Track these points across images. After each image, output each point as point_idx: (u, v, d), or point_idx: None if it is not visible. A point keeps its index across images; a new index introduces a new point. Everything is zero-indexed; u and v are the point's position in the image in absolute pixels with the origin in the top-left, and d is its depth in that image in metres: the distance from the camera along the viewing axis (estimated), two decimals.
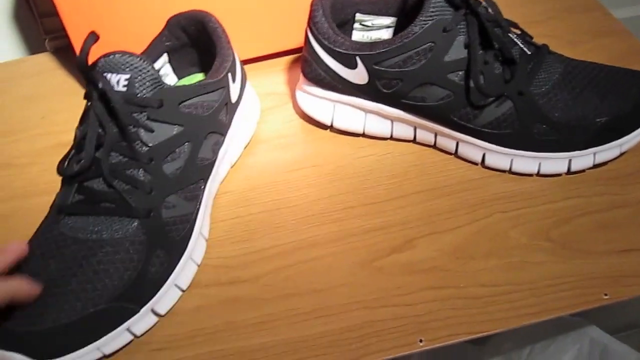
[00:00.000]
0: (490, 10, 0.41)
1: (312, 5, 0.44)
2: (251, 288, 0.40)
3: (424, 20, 0.40)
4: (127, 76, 0.36)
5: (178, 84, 0.48)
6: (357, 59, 0.42)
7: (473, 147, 0.44)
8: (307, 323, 0.37)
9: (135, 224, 0.36)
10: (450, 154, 0.47)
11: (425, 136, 0.47)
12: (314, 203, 0.45)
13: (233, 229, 0.44)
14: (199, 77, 0.50)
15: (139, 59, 0.36)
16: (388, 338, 0.36)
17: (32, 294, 0.33)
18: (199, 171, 0.40)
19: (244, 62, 0.48)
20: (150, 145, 0.37)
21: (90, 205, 0.36)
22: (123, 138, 0.36)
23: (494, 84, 0.41)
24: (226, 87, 0.43)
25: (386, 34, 0.48)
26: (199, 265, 0.41)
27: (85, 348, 0.34)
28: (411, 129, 0.47)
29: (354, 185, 0.46)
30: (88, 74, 0.36)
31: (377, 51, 0.41)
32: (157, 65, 0.45)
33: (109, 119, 0.36)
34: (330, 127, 0.49)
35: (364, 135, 0.49)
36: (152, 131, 0.37)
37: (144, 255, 0.36)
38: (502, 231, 0.42)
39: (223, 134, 0.44)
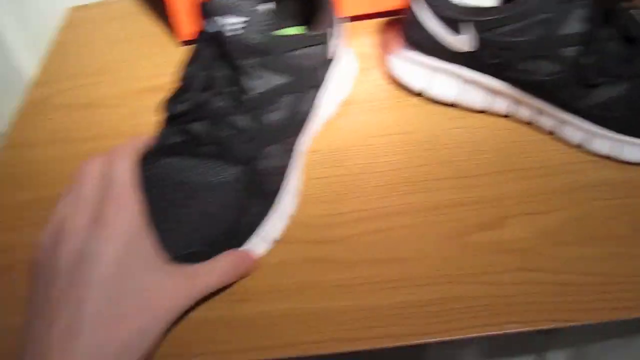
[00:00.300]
0: None
1: None
2: (336, 249, 0.39)
3: None
4: (244, 19, 0.35)
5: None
6: (464, 24, 0.40)
7: (577, 129, 0.42)
8: (391, 291, 0.36)
9: (235, 170, 0.36)
10: (549, 133, 0.45)
11: (524, 112, 0.44)
12: (402, 171, 0.44)
13: (319, 189, 0.43)
14: (294, 30, 0.48)
15: (255, 2, 0.35)
16: (474, 315, 0.35)
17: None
18: (298, 125, 0.39)
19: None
20: (255, 92, 0.36)
21: (191, 148, 0.36)
22: (231, 83, 0.36)
23: (612, 63, 0.38)
24: (326, 43, 0.42)
25: (489, 1, 0.46)
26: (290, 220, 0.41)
27: None
28: (510, 104, 0.44)
29: (444, 157, 0.44)
30: (204, 14, 0.35)
31: (488, 18, 0.39)
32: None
33: (219, 62, 0.35)
34: (422, 94, 0.48)
35: (456, 105, 0.47)
36: (259, 78, 0.36)
37: (240, 203, 0.36)
38: (602, 220, 0.39)
39: (320, 89, 0.42)
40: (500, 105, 0.45)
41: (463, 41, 0.41)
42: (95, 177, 0.33)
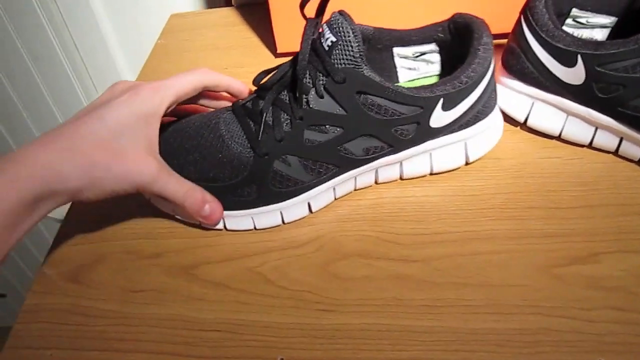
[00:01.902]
0: None
1: None
2: (421, 269, 0.39)
3: None
4: (334, 40, 0.37)
5: (422, 77, 0.47)
6: (579, 57, 0.40)
7: None
8: (478, 316, 0.36)
9: (251, 153, 0.40)
10: None
11: (630, 150, 0.43)
12: (492, 196, 0.43)
13: (405, 207, 0.43)
14: (428, 80, 0.47)
15: (351, 30, 0.37)
16: (564, 350, 0.34)
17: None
18: (337, 157, 0.40)
19: None
20: (310, 107, 0.39)
21: (240, 115, 0.41)
22: (296, 85, 0.38)
23: None
24: (426, 110, 0.39)
25: (599, 35, 0.45)
26: (283, 223, 0.43)
27: None
28: (616, 140, 0.43)
29: (536, 186, 0.44)
30: (304, 16, 0.38)
31: (605, 52, 0.38)
32: (423, 48, 0.45)
33: (304, 62, 0.37)
34: (523, 124, 0.47)
35: (559, 138, 0.46)
36: (321, 97, 0.38)
37: (240, 180, 0.41)
38: None
39: (392, 146, 0.41)
40: (606, 140, 0.44)
41: (575, 74, 0.41)
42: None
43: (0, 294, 1.53)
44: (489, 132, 0.44)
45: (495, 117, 0.44)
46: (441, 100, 0.39)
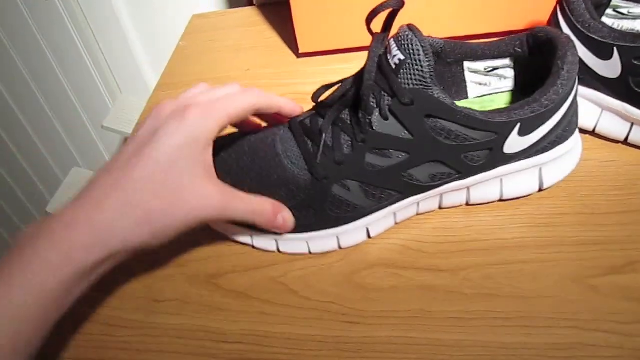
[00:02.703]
0: None
1: None
2: (449, 279, 0.38)
3: None
4: (402, 58, 0.34)
5: (493, 93, 0.44)
6: (615, 49, 0.38)
7: None
8: (508, 329, 0.35)
9: (308, 175, 0.38)
10: None
11: None
12: (522, 202, 0.42)
13: (435, 216, 0.42)
14: (502, 99, 0.44)
15: (422, 47, 0.34)
16: None
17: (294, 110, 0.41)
18: (400, 183, 0.38)
19: (455, 38, 0.44)
20: (373, 129, 0.36)
21: (298, 134, 0.39)
22: (359, 105, 0.36)
23: None
24: (500, 136, 0.36)
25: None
26: (340, 248, 0.41)
27: None
28: None
29: (570, 190, 0.42)
30: (371, 31, 0.35)
31: None
32: (496, 63, 0.42)
33: (370, 82, 0.35)
34: None
35: (593, 132, 0.44)
36: (385, 119, 0.35)
37: (297, 203, 0.38)
38: None
39: (460, 172, 0.38)
40: None
41: (610, 67, 0.39)
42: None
43: None
44: (567, 156, 0.40)
45: (575, 141, 0.40)
46: (518, 126, 0.36)
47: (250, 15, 0.68)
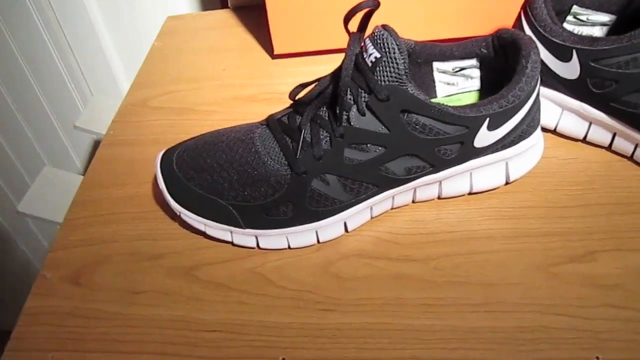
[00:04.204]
0: None
1: None
2: (421, 269, 0.40)
3: None
4: (377, 55, 0.36)
5: (460, 92, 0.46)
6: (574, 52, 0.40)
7: None
8: (476, 315, 0.37)
9: (288, 170, 0.39)
10: None
11: (623, 145, 0.44)
12: (489, 196, 0.44)
13: (406, 208, 0.44)
14: (469, 97, 0.46)
15: (397, 46, 0.35)
16: (562, 348, 0.35)
17: None
18: (377, 177, 0.39)
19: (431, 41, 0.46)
20: (351, 124, 0.37)
21: (276, 131, 0.40)
22: (336, 102, 0.37)
23: None
24: (471, 130, 0.38)
25: (599, 32, 0.46)
26: (318, 242, 0.42)
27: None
28: (609, 136, 0.44)
29: (533, 185, 0.44)
30: (348, 30, 0.36)
31: (599, 47, 0.39)
32: (463, 64, 0.44)
33: (347, 79, 0.36)
34: None
35: (554, 131, 0.47)
36: (362, 115, 0.37)
37: (277, 198, 0.39)
38: None
39: (433, 166, 0.40)
40: (600, 135, 0.45)
41: (570, 68, 0.42)
42: None
43: None
44: (531, 151, 0.43)
45: (538, 137, 0.43)
46: (487, 120, 0.38)
47: (225, 17, 0.69)
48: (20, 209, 0.62)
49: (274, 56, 0.61)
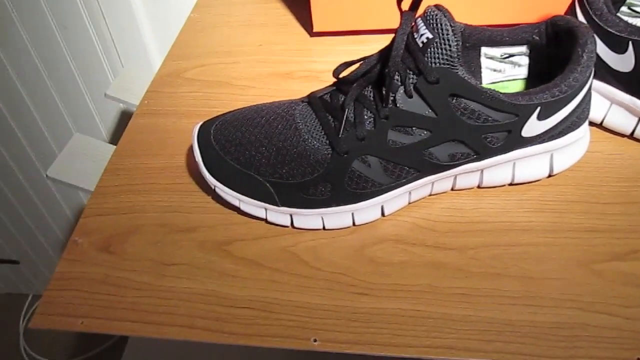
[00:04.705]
0: None
1: None
2: (457, 257, 0.39)
3: None
4: (430, 36, 0.35)
5: (506, 80, 0.44)
6: (630, 43, 0.39)
7: None
8: (514, 308, 0.36)
9: (329, 149, 0.38)
10: None
11: None
12: (530, 188, 0.43)
13: (446, 196, 0.43)
14: (516, 85, 0.45)
15: (451, 27, 0.34)
16: (602, 347, 0.34)
17: None
18: (420, 161, 0.38)
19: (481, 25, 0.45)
20: (397, 106, 0.36)
21: (318, 109, 0.39)
22: (383, 82, 0.36)
23: None
24: (521, 118, 0.37)
25: None
26: (354, 225, 0.41)
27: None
28: None
29: (576, 180, 0.43)
30: (400, 9, 0.35)
31: None
32: (513, 50, 0.42)
33: (397, 59, 0.35)
34: None
35: (600, 125, 0.45)
36: (409, 97, 0.36)
37: (315, 177, 0.39)
38: None
39: (479, 153, 0.39)
40: None
41: (624, 61, 0.40)
42: None
43: (12, 260, 1.55)
44: (577, 144, 0.42)
45: (585, 130, 0.41)
46: (538, 109, 0.37)
47: None
48: (49, 174, 0.62)
49: (312, 34, 0.60)
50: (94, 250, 0.42)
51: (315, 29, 0.58)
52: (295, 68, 0.56)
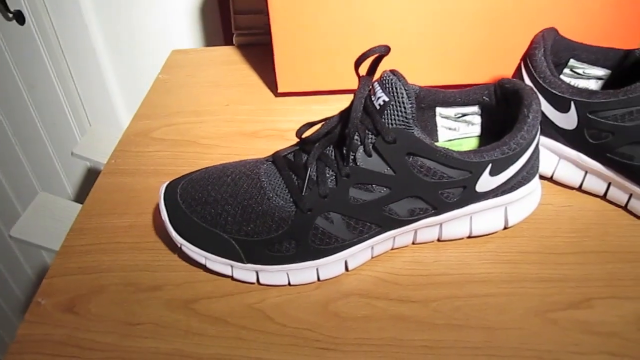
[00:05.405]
0: None
1: (532, 42, 0.44)
2: (420, 310, 0.40)
3: None
4: (386, 99, 0.37)
5: (461, 137, 0.47)
6: (572, 103, 0.42)
7: None
8: (476, 357, 0.37)
9: (293, 207, 0.39)
10: None
11: (617, 195, 0.45)
12: (487, 240, 0.44)
13: (407, 250, 0.44)
14: (469, 143, 0.47)
15: (405, 90, 0.36)
16: None
17: None
18: (381, 217, 0.40)
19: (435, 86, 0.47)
20: (358, 164, 0.38)
21: (282, 168, 0.41)
22: (344, 142, 0.38)
23: None
24: (474, 174, 0.39)
25: (594, 85, 0.48)
26: (319, 280, 0.42)
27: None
28: (604, 185, 0.45)
29: (530, 231, 0.45)
30: (358, 74, 0.37)
31: (596, 100, 0.41)
32: (466, 110, 0.45)
33: (356, 121, 0.37)
34: None
35: (551, 179, 0.48)
36: (369, 156, 0.38)
37: (280, 234, 0.40)
38: None
39: (436, 208, 0.40)
40: (595, 184, 0.46)
41: (568, 119, 0.43)
42: None
43: None
44: (529, 197, 0.44)
45: (536, 184, 0.44)
46: (490, 166, 0.39)
47: (229, 54, 0.71)
48: (12, 234, 0.62)
49: (277, 94, 0.62)
50: (57, 311, 0.41)
51: (279, 90, 0.60)
52: (260, 127, 0.58)
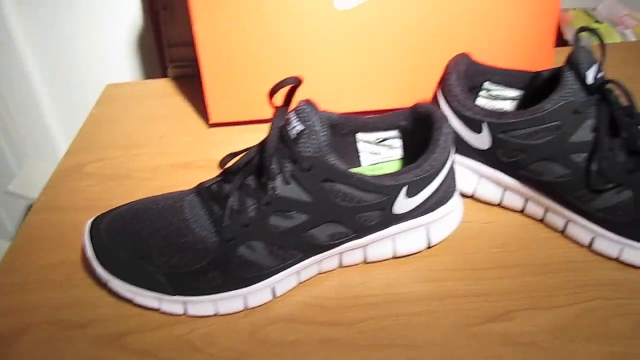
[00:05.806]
0: (623, 99, 0.42)
1: (447, 68, 0.46)
2: (346, 332, 0.40)
3: (557, 100, 0.41)
4: (300, 128, 0.38)
5: (384, 161, 0.48)
6: (484, 125, 0.44)
7: (582, 229, 0.44)
8: None
9: (216, 237, 0.40)
10: (557, 231, 0.47)
11: (534, 210, 0.47)
12: (414, 259, 0.46)
13: (332, 273, 0.45)
14: (392, 166, 0.49)
15: (318, 119, 0.38)
16: None
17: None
18: (302, 243, 0.41)
19: (352, 113, 0.49)
20: (277, 193, 0.39)
21: (205, 199, 0.41)
22: (262, 171, 0.39)
23: (617, 171, 0.41)
24: (390, 197, 0.41)
25: (509, 106, 0.50)
26: (246, 309, 0.42)
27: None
28: (522, 201, 0.47)
29: (454, 248, 0.46)
30: (272, 104, 0.38)
31: (505, 121, 0.43)
32: (385, 135, 0.47)
33: (271, 150, 0.38)
34: None
35: (472, 197, 0.50)
36: (287, 184, 0.39)
37: (204, 264, 0.40)
38: (603, 318, 0.41)
39: (357, 232, 0.42)
40: (514, 201, 0.48)
41: (481, 140, 0.45)
42: None
43: None
44: (450, 216, 0.45)
45: (455, 202, 0.45)
46: (405, 188, 0.40)
47: (163, 86, 0.71)
48: None
49: (210, 125, 0.63)
50: None
51: (211, 121, 0.61)
52: (194, 158, 0.58)
